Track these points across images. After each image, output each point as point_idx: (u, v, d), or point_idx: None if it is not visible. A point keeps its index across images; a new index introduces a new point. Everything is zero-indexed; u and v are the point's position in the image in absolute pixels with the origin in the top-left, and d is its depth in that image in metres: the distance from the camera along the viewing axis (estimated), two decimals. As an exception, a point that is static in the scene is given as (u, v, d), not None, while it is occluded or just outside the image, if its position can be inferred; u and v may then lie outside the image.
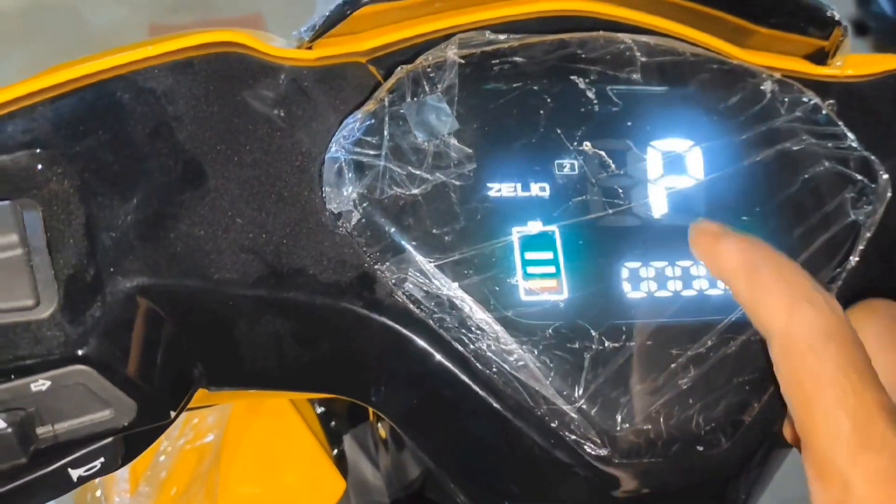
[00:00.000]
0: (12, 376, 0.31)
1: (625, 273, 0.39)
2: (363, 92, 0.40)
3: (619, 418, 0.36)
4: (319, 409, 0.62)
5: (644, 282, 0.39)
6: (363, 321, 0.37)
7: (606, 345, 0.37)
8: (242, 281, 0.35)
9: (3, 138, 0.34)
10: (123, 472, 0.63)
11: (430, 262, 0.37)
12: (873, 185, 0.42)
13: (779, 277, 0.34)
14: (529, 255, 0.38)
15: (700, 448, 0.37)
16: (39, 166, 0.33)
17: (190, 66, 0.37)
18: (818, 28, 0.45)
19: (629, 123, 0.41)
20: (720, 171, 0.41)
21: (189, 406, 0.37)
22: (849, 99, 0.45)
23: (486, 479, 0.40)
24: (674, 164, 0.41)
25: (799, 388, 0.32)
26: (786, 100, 0.43)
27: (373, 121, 0.38)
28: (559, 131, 0.40)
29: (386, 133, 0.37)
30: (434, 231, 0.37)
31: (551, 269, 0.38)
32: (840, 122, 0.43)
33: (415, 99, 0.38)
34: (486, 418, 0.37)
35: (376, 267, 0.37)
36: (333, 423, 0.62)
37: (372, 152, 0.37)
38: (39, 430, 0.32)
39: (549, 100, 0.40)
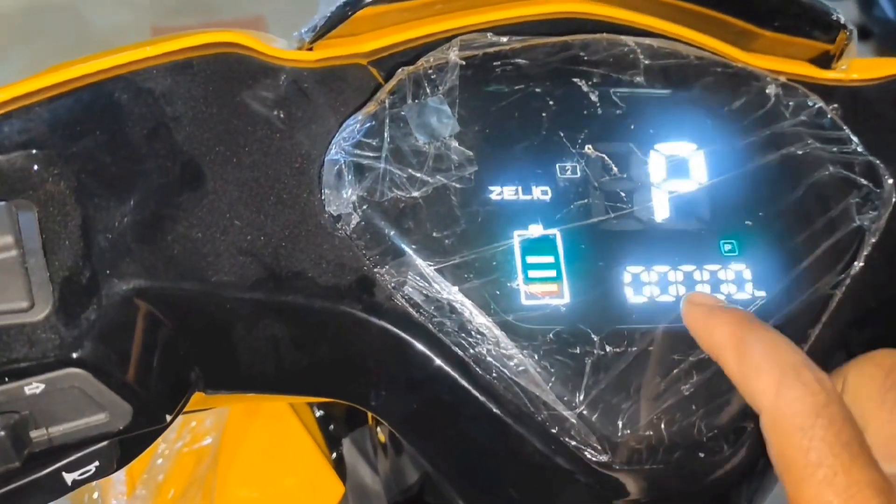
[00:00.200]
0: (6, 379, 0.30)
1: (627, 277, 0.38)
2: (364, 93, 0.39)
3: (620, 424, 0.36)
4: (318, 413, 0.62)
5: (646, 286, 0.38)
6: (362, 325, 0.36)
7: (608, 350, 0.37)
8: (240, 284, 0.35)
9: (0, 139, 0.33)
10: (120, 475, 0.63)
11: (430, 265, 0.36)
12: (878, 190, 0.42)
13: (767, 354, 0.34)
14: (530, 259, 0.37)
15: (702, 455, 0.37)
16: (36, 167, 0.33)
17: (189, 66, 0.37)
18: (823, 31, 0.45)
19: (632, 126, 0.40)
20: (724, 175, 0.41)
21: (186, 409, 0.36)
22: (854, 103, 0.44)
23: (485, 485, 0.39)
24: (677, 168, 0.40)
25: (788, 465, 0.32)
26: (790, 104, 0.42)
27: (373, 123, 0.37)
28: (561, 134, 0.39)
29: (386, 135, 0.37)
30: (434, 234, 0.37)
31: (552, 273, 0.38)
32: (845, 127, 0.43)
33: (416, 101, 0.38)
34: (485, 423, 0.37)
35: (376, 270, 0.37)
36: (332, 426, 0.62)
37: (372, 154, 0.37)
38: (33, 434, 0.32)
39: (551, 102, 0.40)
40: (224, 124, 0.36)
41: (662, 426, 0.36)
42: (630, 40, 0.41)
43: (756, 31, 0.45)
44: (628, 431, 0.36)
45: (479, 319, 0.36)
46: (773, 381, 0.33)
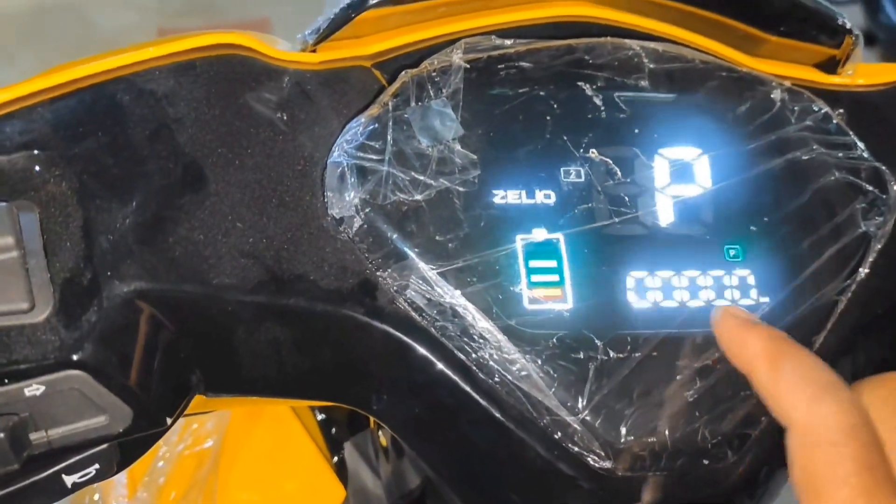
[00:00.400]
0: (6, 380, 0.30)
1: (630, 282, 0.38)
2: (367, 96, 0.39)
3: (623, 430, 0.36)
4: (320, 417, 0.62)
5: (650, 291, 0.38)
6: (364, 329, 0.36)
7: (611, 355, 0.36)
8: (242, 286, 0.35)
9: (1, 139, 0.33)
10: (121, 477, 0.63)
11: (433, 269, 0.36)
12: (884, 196, 0.41)
13: (803, 370, 0.34)
14: (533, 264, 0.37)
15: (706, 462, 0.37)
16: (37, 168, 0.33)
17: (192, 67, 0.37)
18: (829, 36, 0.44)
19: (636, 131, 0.40)
20: (728, 180, 0.40)
21: (187, 412, 0.36)
22: (860, 108, 0.44)
23: (487, 490, 0.39)
24: (681, 173, 0.40)
25: (811, 480, 0.32)
26: (796, 108, 0.42)
27: (376, 125, 0.37)
28: (565, 138, 0.39)
29: (389, 138, 0.37)
30: (437, 238, 0.37)
31: (555, 278, 0.37)
32: (851, 132, 0.43)
33: (419, 103, 0.38)
34: (487, 428, 0.36)
35: (378, 274, 0.36)
36: (334, 430, 0.62)
37: (375, 157, 0.37)
38: (33, 436, 0.32)
39: (555, 106, 0.39)
40: (226, 126, 0.36)
41: (666, 432, 0.36)
42: (635, 44, 0.41)
43: (761, 35, 0.45)
44: (631, 437, 0.36)
45: (481, 324, 0.36)
46: (807, 396, 0.33)
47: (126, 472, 0.61)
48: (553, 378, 0.36)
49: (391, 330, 0.36)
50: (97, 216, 0.33)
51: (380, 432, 0.56)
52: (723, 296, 0.38)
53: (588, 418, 0.36)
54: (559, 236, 0.38)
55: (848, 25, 0.44)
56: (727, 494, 0.38)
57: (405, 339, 0.36)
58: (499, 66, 0.40)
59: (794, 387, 0.33)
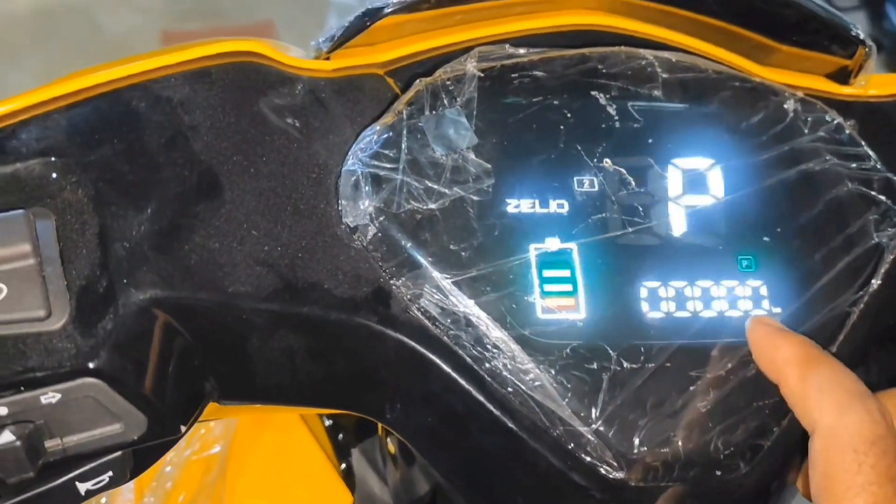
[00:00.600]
0: (22, 388, 0.30)
1: (643, 293, 0.38)
2: (380, 104, 0.39)
3: (636, 441, 0.36)
4: (327, 423, 0.62)
5: (663, 302, 0.38)
6: (378, 337, 0.36)
7: (625, 365, 0.36)
8: (257, 294, 0.35)
9: (18, 146, 0.33)
10: (128, 483, 0.63)
11: (447, 278, 0.36)
12: (896, 207, 0.41)
13: (833, 378, 0.34)
14: (547, 273, 0.37)
15: (718, 473, 0.37)
16: (54, 175, 0.33)
17: (207, 75, 0.37)
18: (841, 47, 0.44)
19: (650, 140, 0.40)
20: (741, 190, 0.40)
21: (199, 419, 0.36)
22: (872, 119, 0.44)
23: (499, 500, 0.39)
24: (694, 183, 0.40)
25: (831, 486, 0.32)
26: (808, 119, 0.42)
27: (390, 134, 0.37)
28: (579, 147, 0.39)
29: (404, 146, 0.37)
30: (451, 247, 0.37)
31: (569, 288, 0.37)
32: (863, 143, 0.43)
33: (433, 112, 0.38)
34: (500, 438, 0.36)
35: (392, 282, 0.36)
36: (341, 436, 0.61)
37: (389, 166, 0.37)
38: (48, 444, 0.32)
39: (569, 115, 0.40)
40: (241, 133, 0.36)
41: (679, 443, 0.36)
42: (648, 53, 0.41)
43: (773, 45, 0.45)
44: (644, 448, 0.36)
45: (495, 333, 0.36)
46: (836, 403, 0.33)
47: (133, 477, 0.61)
48: (566, 388, 0.36)
49: (405, 339, 0.36)
50: (113, 223, 0.33)
51: (388, 439, 0.56)
52: (736, 306, 0.38)
53: (601, 429, 0.36)
54: (572, 246, 0.38)
55: (861, 36, 0.44)
56: (739, 505, 0.38)
57: (419, 347, 0.36)
58: (512, 75, 0.40)
59: (823, 393, 0.34)
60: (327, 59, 0.40)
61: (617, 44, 0.42)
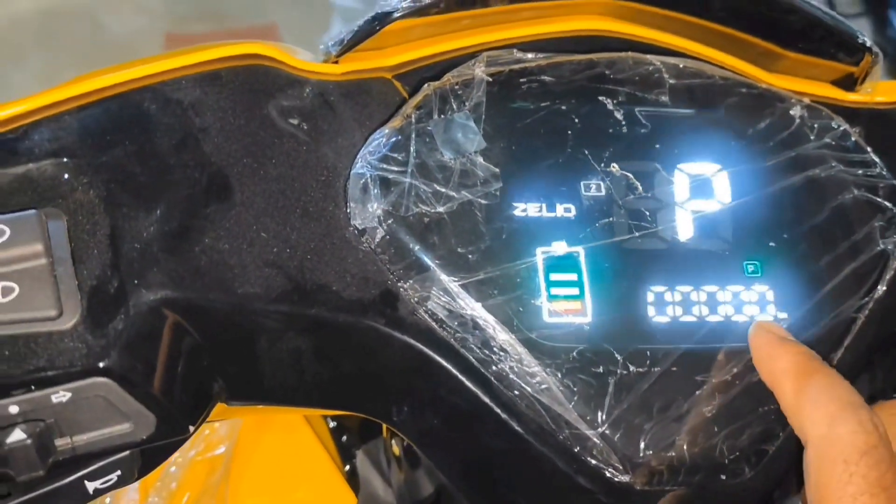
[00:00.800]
0: (33, 387, 0.30)
1: (650, 297, 0.38)
2: (388, 107, 0.39)
3: (642, 444, 0.36)
4: (332, 424, 0.62)
5: (669, 306, 0.38)
6: (385, 339, 0.36)
7: (631, 369, 0.37)
8: (266, 296, 0.35)
9: (30, 147, 0.34)
10: (133, 483, 0.63)
11: (455, 281, 0.36)
12: (902, 214, 0.41)
13: (827, 389, 0.34)
14: (554, 277, 0.37)
15: (723, 477, 0.37)
16: (65, 176, 0.33)
17: (217, 77, 0.37)
18: (848, 54, 0.45)
19: (657, 146, 0.40)
20: (747, 196, 0.40)
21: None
22: (878, 126, 0.44)
23: (505, 502, 0.39)
24: (701, 188, 0.40)
25: (823, 496, 0.33)
26: (815, 125, 0.42)
27: (399, 137, 0.37)
28: (586, 152, 0.39)
29: (412, 150, 0.37)
30: (459, 250, 0.37)
31: (575, 291, 0.38)
32: (869, 149, 0.43)
33: (442, 116, 0.38)
34: (507, 441, 0.37)
35: (399, 285, 0.37)
36: (345, 438, 0.62)
37: (398, 169, 0.37)
38: (58, 442, 0.32)
39: (576, 120, 0.40)
40: (251, 136, 0.37)
41: (684, 447, 0.36)
42: (656, 59, 0.41)
43: (780, 52, 0.45)
44: (650, 452, 0.36)
45: (501, 336, 0.36)
46: (828, 414, 0.33)
47: (137, 477, 0.61)
48: (573, 391, 0.36)
49: (412, 341, 0.36)
50: (124, 224, 0.33)
51: (392, 441, 0.56)
52: (742, 311, 0.39)
53: (607, 432, 0.36)
54: (579, 250, 0.38)
55: (867, 43, 0.44)
56: (744, 510, 0.38)
57: (426, 350, 0.36)
58: (521, 80, 0.40)
59: (816, 404, 0.34)
60: (336, 62, 0.40)
61: (624, 49, 0.42)
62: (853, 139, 0.43)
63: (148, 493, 0.61)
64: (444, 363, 0.36)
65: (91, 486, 0.34)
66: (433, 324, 0.36)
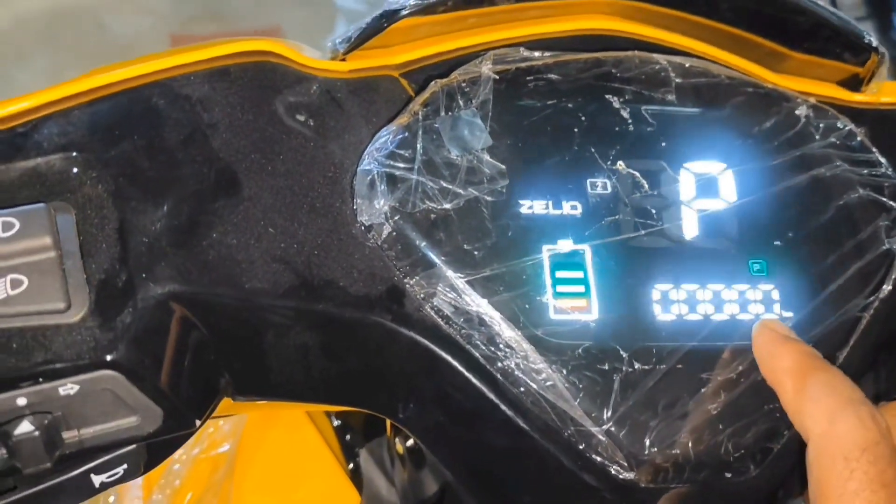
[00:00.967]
0: (41, 379, 0.30)
1: (655, 295, 0.38)
2: (395, 105, 0.40)
3: (647, 442, 0.36)
4: (335, 422, 0.62)
5: (675, 304, 0.38)
6: (391, 335, 0.37)
7: (636, 367, 0.37)
8: (273, 291, 0.35)
9: (39, 141, 0.34)
10: (137, 480, 0.63)
11: (461, 277, 0.36)
12: (908, 214, 0.42)
13: (828, 386, 0.34)
14: (560, 274, 0.38)
15: (728, 475, 0.37)
16: (74, 170, 0.33)
17: (226, 74, 0.37)
18: (854, 54, 0.45)
19: (663, 144, 0.40)
20: (753, 195, 0.41)
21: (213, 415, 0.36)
22: (883, 126, 0.44)
23: (510, 499, 0.39)
24: (707, 187, 0.40)
25: (824, 492, 0.33)
26: (820, 125, 0.42)
27: (406, 134, 0.38)
28: (593, 150, 0.39)
29: (419, 147, 0.37)
30: (465, 246, 0.37)
31: (581, 289, 0.38)
32: (874, 149, 0.43)
33: (449, 113, 0.38)
34: (512, 438, 0.37)
35: (406, 281, 0.37)
36: (349, 436, 0.62)
37: (405, 165, 0.37)
38: (65, 435, 0.32)
39: (583, 118, 0.40)
40: (259, 132, 0.37)
41: (689, 445, 0.36)
42: (662, 58, 0.42)
43: (786, 52, 0.45)
44: (655, 449, 0.36)
45: (507, 333, 0.36)
46: (828, 411, 0.33)
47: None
48: (578, 388, 0.36)
49: (418, 337, 0.37)
50: (132, 218, 0.34)
51: (396, 439, 0.56)
52: (747, 310, 0.39)
53: (612, 429, 0.36)
54: (585, 247, 0.38)
55: (873, 44, 0.44)
56: (748, 508, 0.38)
57: (432, 346, 0.37)
58: (527, 78, 0.40)
59: (816, 401, 0.34)
60: (343, 59, 0.40)
61: (631, 48, 0.42)
62: (858, 139, 0.43)
63: (152, 490, 0.61)
64: (450, 359, 0.36)
65: (97, 479, 0.34)
66: (439, 320, 0.37)
